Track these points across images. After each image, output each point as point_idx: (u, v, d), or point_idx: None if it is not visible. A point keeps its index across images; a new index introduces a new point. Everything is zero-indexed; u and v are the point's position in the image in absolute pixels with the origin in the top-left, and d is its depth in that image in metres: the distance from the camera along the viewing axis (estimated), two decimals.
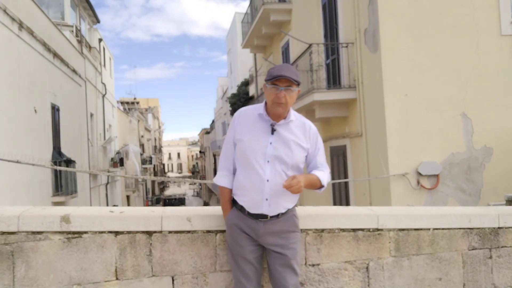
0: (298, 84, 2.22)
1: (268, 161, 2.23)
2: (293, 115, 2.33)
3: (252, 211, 2.27)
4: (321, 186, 2.33)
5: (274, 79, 2.18)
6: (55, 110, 11.10)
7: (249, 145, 2.24)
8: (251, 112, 2.34)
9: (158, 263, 2.52)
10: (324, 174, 2.33)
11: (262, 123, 2.29)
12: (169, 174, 73.68)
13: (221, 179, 2.38)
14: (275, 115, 2.26)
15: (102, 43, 20.43)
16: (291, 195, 2.28)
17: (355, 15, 8.05)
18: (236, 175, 2.36)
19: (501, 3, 7.42)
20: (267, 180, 2.22)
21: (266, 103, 2.30)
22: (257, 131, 2.27)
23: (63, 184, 11.04)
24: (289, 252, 2.30)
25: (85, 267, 2.43)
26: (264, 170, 2.22)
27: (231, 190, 2.37)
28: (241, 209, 2.31)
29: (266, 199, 2.23)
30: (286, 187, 2.13)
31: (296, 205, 2.45)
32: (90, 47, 17.25)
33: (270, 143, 2.24)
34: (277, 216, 2.28)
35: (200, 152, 58.73)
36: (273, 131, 2.25)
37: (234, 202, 2.38)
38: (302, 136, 2.31)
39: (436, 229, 2.90)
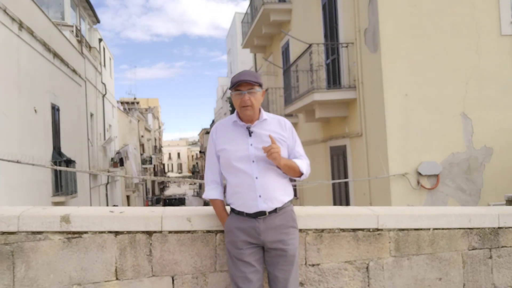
0: (259, 85, 2.34)
1: (253, 161, 2.31)
2: (266, 115, 2.43)
3: (249, 211, 2.31)
4: (301, 174, 2.39)
5: (236, 85, 2.31)
6: (55, 110, 11.10)
7: (231, 152, 2.34)
8: (226, 122, 2.46)
9: (158, 263, 2.52)
10: (302, 163, 2.41)
11: (239, 128, 2.39)
12: (169, 174, 73.69)
13: (210, 193, 2.45)
14: (248, 119, 2.37)
15: (102, 43, 20.44)
16: (284, 187, 2.38)
17: (355, 15, 8.05)
18: (227, 184, 2.41)
19: (501, 3, 7.42)
20: (256, 178, 2.30)
21: (237, 111, 2.42)
22: (236, 137, 2.37)
23: (63, 184, 11.04)
24: (290, 248, 2.34)
25: (85, 267, 2.43)
26: (251, 169, 2.30)
27: (222, 201, 2.44)
28: (239, 213, 2.35)
29: (260, 196, 2.29)
30: (265, 149, 2.24)
31: (293, 203, 2.47)
32: (90, 47, 17.25)
33: (251, 145, 2.33)
34: (275, 211, 2.32)
35: (200, 152, 58.74)
36: (250, 133, 2.35)
37: (231, 210, 2.42)
38: (279, 130, 2.40)
39: (436, 229, 2.90)
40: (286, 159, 2.34)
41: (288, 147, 2.42)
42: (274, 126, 2.40)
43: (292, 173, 2.36)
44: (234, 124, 2.40)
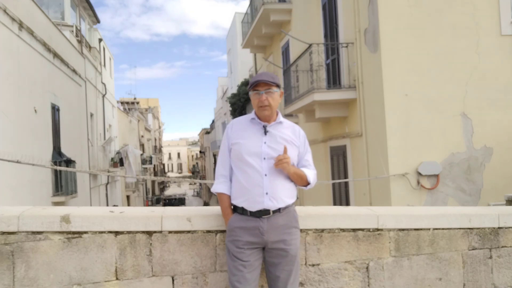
0: (277, 85, 2.39)
1: (264, 158, 2.34)
2: (282, 118, 2.49)
3: (254, 209, 2.31)
4: (308, 183, 2.44)
5: (254, 86, 2.38)
6: (55, 110, 11.09)
7: (244, 146, 2.37)
8: (243, 119, 2.51)
9: (158, 263, 2.52)
10: (311, 173, 2.46)
11: (255, 126, 2.44)
12: (169, 174, 73.67)
13: (218, 186, 2.45)
14: (265, 119, 2.42)
15: (102, 43, 20.43)
16: (290, 189, 2.41)
17: (355, 15, 8.05)
18: (233, 179, 2.42)
19: (501, 3, 7.42)
20: (265, 175, 2.32)
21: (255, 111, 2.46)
22: (251, 133, 2.41)
23: (63, 184, 11.04)
24: (291, 248, 2.35)
25: (85, 267, 2.43)
26: (261, 166, 2.33)
27: (229, 197, 2.43)
28: (243, 211, 2.35)
29: (267, 193, 2.31)
30: (277, 158, 2.30)
31: (295, 204, 2.49)
32: (90, 47, 17.25)
33: (265, 143, 2.37)
34: (279, 211, 2.34)
35: (200, 152, 58.72)
36: (266, 132, 2.39)
37: (234, 208, 2.42)
38: (292, 136, 2.45)
39: (436, 229, 2.90)
40: (295, 168, 2.38)
41: (299, 154, 2.47)
42: (289, 131, 2.45)
43: (299, 181, 2.41)
44: (251, 122, 2.45)
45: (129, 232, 2.50)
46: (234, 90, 24.44)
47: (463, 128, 7.24)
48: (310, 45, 8.56)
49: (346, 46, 8.40)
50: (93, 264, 2.45)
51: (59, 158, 10.71)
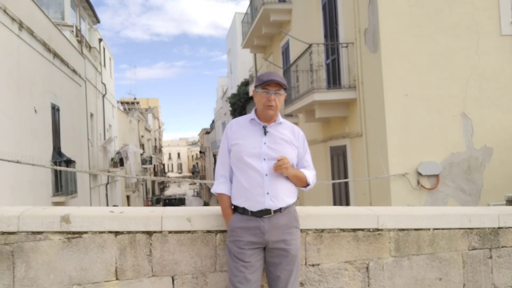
0: (285, 88, 2.40)
1: (264, 159, 2.34)
2: (282, 119, 2.49)
3: (255, 209, 2.31)
4: (307, 184, 2.45)
5: (265, 84, 2.35)
6: (55, 110, 11.09)
7: (244, 147, 2.36)
8: (242, 120, 2.50)
9: (158, 263, 2.52)
10: (310, 173, 2.47)
11: (254, 126, 2.43)
12: (169, 174, 73.67)
13: (218, 187, 2.45)
14: (266, 119, 2.41)
15: (102, 43, 20.43)
16: (290, 189, 2.41)
17: (355, 15, 8.05)
18: (234, 179, 2.42)
19: (501, 3, 7.42)
20: (266, 175, 2.32)
21: (255, 110, 2.46)
22: (250, 134, 2.41)
23: (63, 184, 11.04)
24: (292, 248, 2.35)
25: (85, 267, 2.43)
26: (262, 166, 2.33)
27: (229, 197, 2.43)
28: (244, 211, 2.35)
29: (267, 193, 2.31)
30: (275, 165, 2.28)
31: (296, 204, 2.49)
32: (90, 47, 17.25)
33: (264, 143, 2.37)
34: (280, 210, 2.34)
35: (200, 152, 58.72)
36: (265, 132, 2.39)
37: (235, 209, 2.41)
38: (292, 136, 2.46)
39: (436, 229, 2.90)
40: (295, 170, 2.39)
41: (298, 155, 2.47)
42: (288, 131, 2.45)
43: (299, 183, 2.42)
44: (250, 122, 2.45)
45: (129, 232, 2.50)
46: (234, 90, 24.43)
47: (463, 128, 7.24)
48: (310, 45, 8.56)
49: (346, 46, 8.40)
50: (93, 264, 2.45)
51: (59, 158, 10.71)
